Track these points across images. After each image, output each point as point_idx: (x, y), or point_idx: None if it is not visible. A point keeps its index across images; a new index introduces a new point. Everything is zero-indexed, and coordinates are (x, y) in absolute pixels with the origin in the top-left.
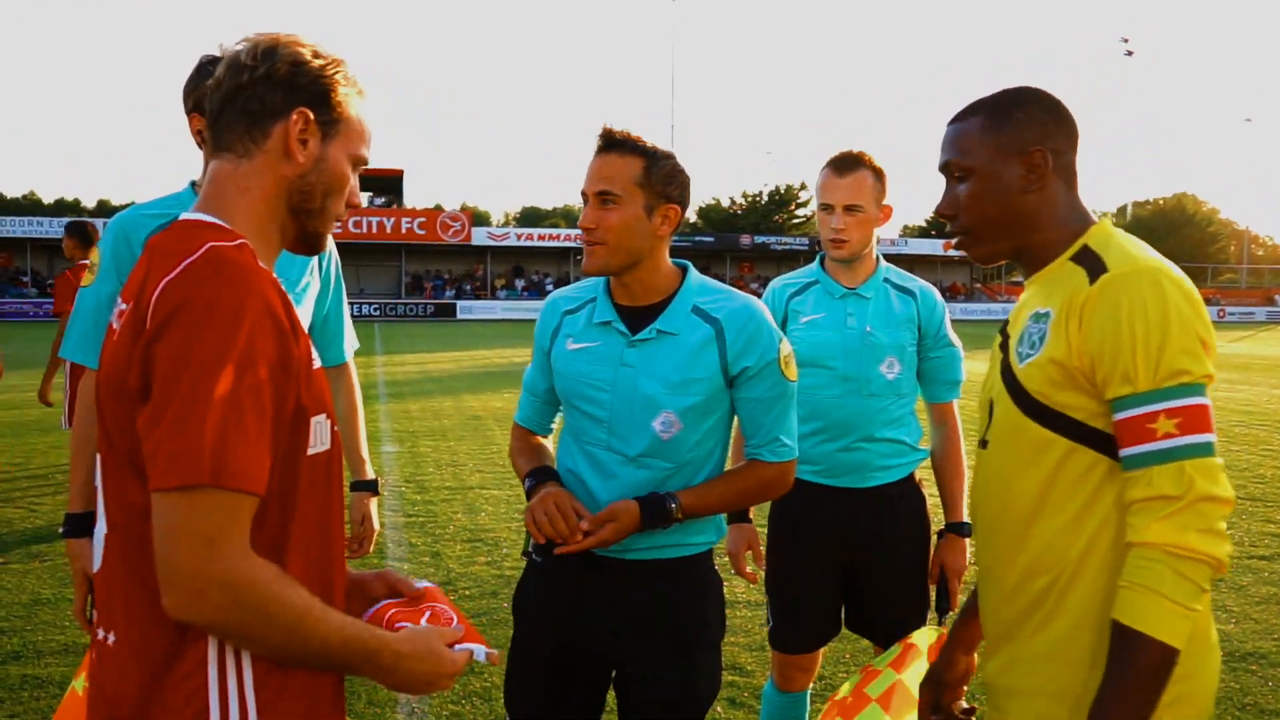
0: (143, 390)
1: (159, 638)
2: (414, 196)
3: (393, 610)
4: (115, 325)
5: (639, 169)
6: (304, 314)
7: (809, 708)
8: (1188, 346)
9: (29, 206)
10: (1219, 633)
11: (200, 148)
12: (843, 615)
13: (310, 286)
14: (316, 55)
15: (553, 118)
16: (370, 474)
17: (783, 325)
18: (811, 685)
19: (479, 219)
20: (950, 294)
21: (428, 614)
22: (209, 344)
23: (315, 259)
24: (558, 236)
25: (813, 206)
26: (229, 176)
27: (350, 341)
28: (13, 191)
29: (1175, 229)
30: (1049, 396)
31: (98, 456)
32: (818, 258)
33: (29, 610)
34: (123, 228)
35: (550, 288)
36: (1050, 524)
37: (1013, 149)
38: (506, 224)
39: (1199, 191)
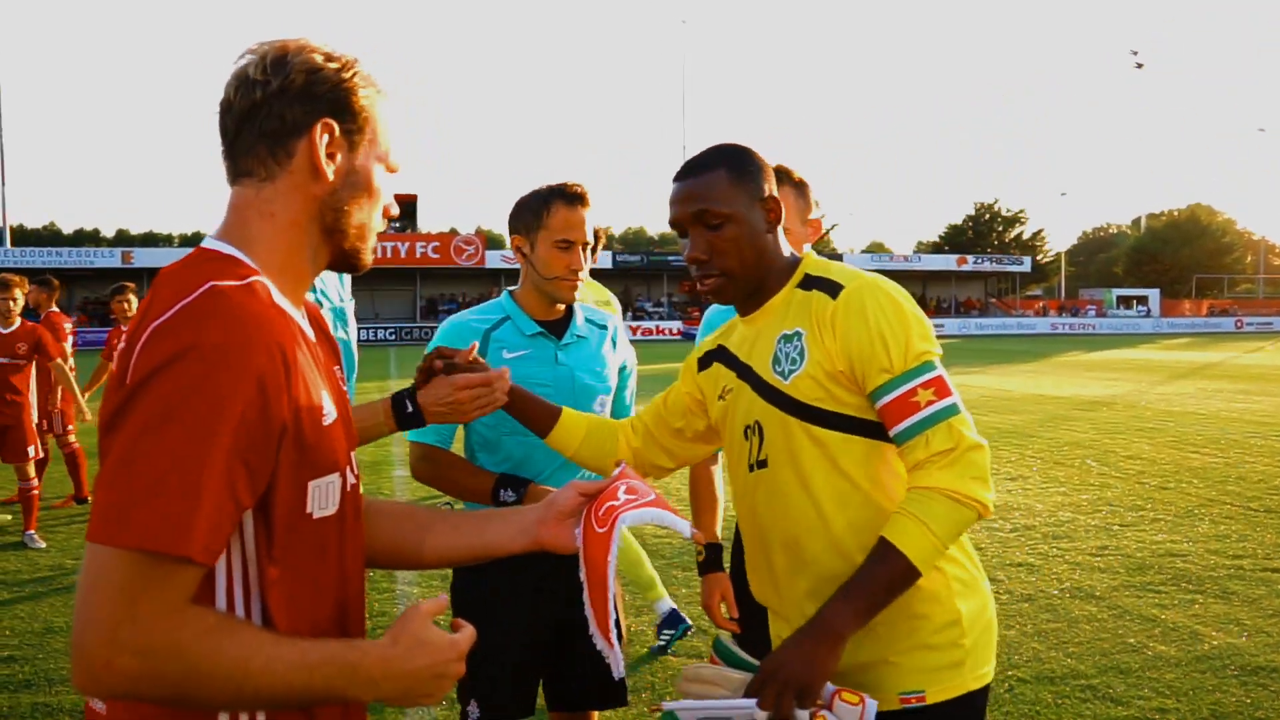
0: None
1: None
2: (428, 220)
3: (597, 506)
4: (113, 366)
5: None
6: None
7: None
8: (923, 333)
9: (49, 237)
10: (1231, 646)
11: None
12: None
13: (349, 304)
14: (330, 59)
15: (566, 140)
16: None
17: None
18: None
19: (493, 242)
20: (965, 309)
21: (623, 486)
22: (167, 394)
23: (348, 279)
24: None
25: (827, 223)
26: (250, 203)
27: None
28: (33, 223)
29: (1190, 240)
30: (823, 401)
31: None
32: None
33: (41, 639)
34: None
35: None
36: (852, 508)
37: (755, 196)
38: None
39: (1214, 202)
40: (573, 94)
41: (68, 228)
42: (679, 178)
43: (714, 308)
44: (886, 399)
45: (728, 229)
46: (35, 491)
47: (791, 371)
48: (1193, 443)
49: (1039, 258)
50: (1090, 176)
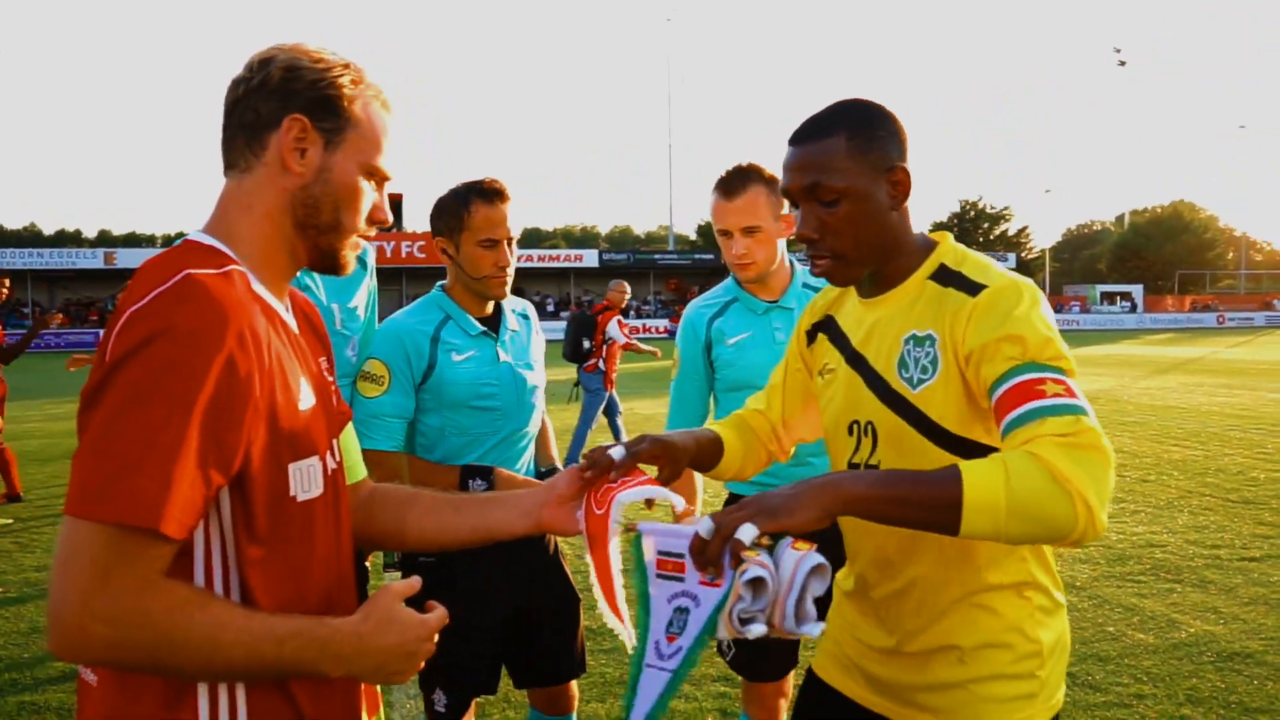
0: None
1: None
2: (414, 220)
3: (595, 490)
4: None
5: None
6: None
7: None
8: (1063, 348)
9: (29, 238)
10: (1207, 634)
11: None
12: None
13: (360, 307)
14: (318, 60)
15: (552, 139)
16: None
17: (707, 351)
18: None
19: None
20: None
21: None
22: (141, 376)
23: (367, 279)
24: (558, 257)
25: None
26: (233, 194)
27: None
28: (13, 224)
29: (1172, 236)
30: (948, 419)
31: None
32: (731, 274)
33: (26, 638)
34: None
35: (551, 308)
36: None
37: (880, 167)
38: None
39: (1196, 198)
40: (557, 93)
41: (49, 228)
42: (794, 140)
43: (693, 305)
44: (1006, 386)
45: (843, 206)
46: None
47: (922, 381)
48: (1173, 436)
49: (1024, 254)
50: (1075, 173)
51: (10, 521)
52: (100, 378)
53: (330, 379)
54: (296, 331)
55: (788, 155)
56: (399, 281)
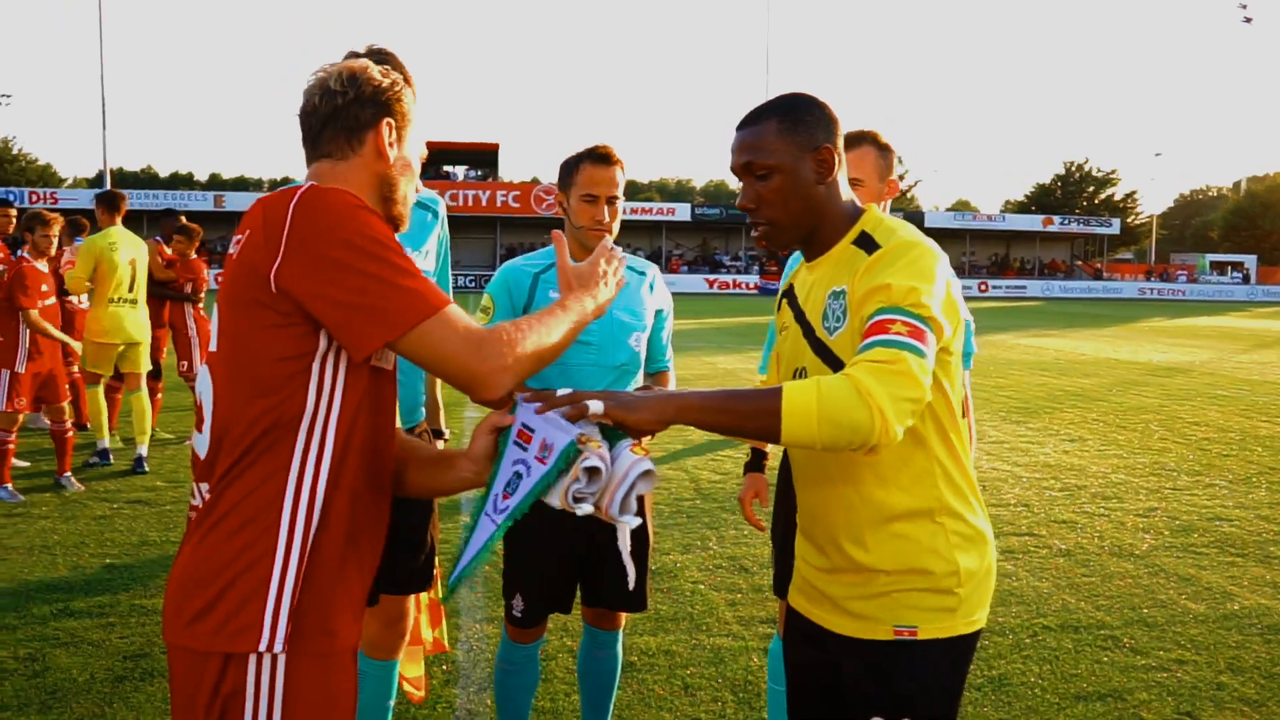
0: (287, 294)
1: (244, 514)
2: (510, 170)
3: None
4: (233, 252)
5: None
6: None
7: None
8: (932, 294)
9: (146, 180)
10: (1261, 607)
11: None
12: None
13: (430, 254)
14: (385, 75)
15: (649, 90)
16: (441, 424)
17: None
18: None
19: None
20: (1049, 271)
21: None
22: (353, 231)
23: (437, 227)
24: (650, 210)
25: (910, 180)
26: (329, 172)
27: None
28: (132, 166)
29: None
30: None
31: (204, 369)
32: None
33: (137, 549)
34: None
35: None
36: (888, 464)
37: (806, 147)
38: None
39: None
40: (657, 44)
41: (164, 170)
42: (737, 128)
43: (796, 256)
44: (869, 324)
45: (773, 180)
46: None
47: (836, 329)
48: (1265, 412)
49: (1130, 220)
50: (1190, 136)
51: (27, 464)
52: (314, 267)
53: None
54: None
55: (733, 140)
56: (493, 230)
